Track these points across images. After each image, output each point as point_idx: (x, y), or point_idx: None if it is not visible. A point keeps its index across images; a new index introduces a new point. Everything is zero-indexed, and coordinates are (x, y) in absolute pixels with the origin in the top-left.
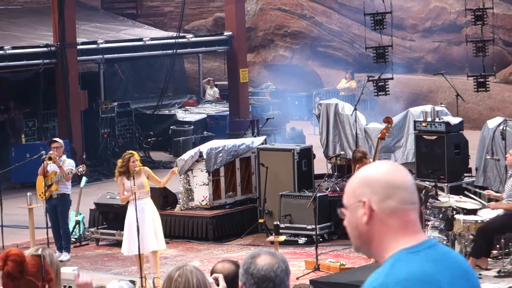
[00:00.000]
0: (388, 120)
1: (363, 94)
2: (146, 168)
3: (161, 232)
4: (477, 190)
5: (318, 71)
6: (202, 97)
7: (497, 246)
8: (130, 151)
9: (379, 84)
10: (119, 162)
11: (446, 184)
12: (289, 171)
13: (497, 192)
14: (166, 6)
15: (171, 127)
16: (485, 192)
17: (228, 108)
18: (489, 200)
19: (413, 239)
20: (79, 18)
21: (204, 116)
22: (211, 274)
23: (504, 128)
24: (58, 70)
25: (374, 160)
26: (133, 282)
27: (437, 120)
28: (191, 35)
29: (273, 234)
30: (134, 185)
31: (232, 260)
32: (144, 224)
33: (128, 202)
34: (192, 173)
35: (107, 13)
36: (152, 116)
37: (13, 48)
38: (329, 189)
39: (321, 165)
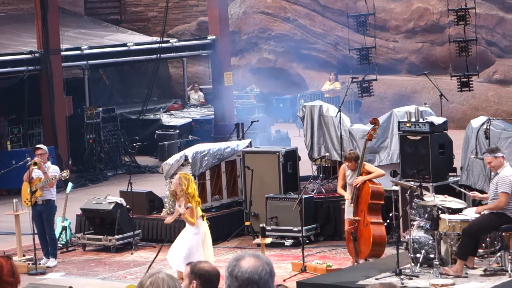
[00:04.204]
0: (374, 121)
1: (347, 95)
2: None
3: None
4: (462, 190)
5: (302, 73)
6: (187, 101)
7: (483, 245)
8: (184, 174)
9: (363, 85)
10: (192, 188)
11: (431, 183)
12: (275, 174)
13: (482, 192)
14: (149, 11)
15: (156, 131)
16: (470, 194)
17: (213, 112)
18: (474, 201)
19: None
20: (62, 25)
21: (189, 120)
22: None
23: (488, 127)
24: (42, 76)
25: (361, 160)
26: None
27: (421, 120)
28: (175, 40)
29: (260, 236)
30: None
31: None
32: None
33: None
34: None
35: (90, 19)
36: (137, 121)
37: None
38: (314, 191)
39: (306, 167)
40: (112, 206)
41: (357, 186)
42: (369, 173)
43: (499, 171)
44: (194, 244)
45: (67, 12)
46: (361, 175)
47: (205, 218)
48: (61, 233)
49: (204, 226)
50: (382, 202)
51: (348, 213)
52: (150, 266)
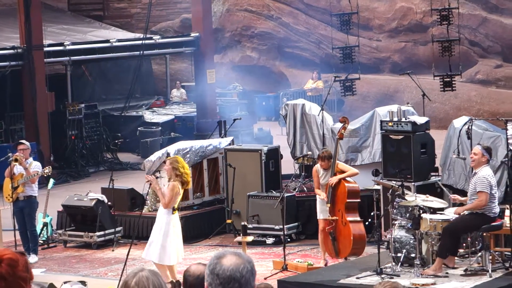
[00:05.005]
0: (344, 120)
1: (330, 94)
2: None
3: (156, 245)
4: (445, 189)
5: (285, 71)
6: (169, 98)
7: (464, 244)
8: (174, 157)
9: (346, 84)
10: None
11: (412, 183)
12: (257, 172)
13: (462, 192)
14: (133, 8)
15: (138, 128)
16: (451, 197)
17: (195, 109)
18: (454, 205)
19: None
20: (45, 20)
21: (172, 117)
22: (184, 275)
23: (470, 127)
24: (25, 72)
25: (334, 159)
26: (83, 282)
27: (403, 119)
28: (158, 37)
29: (241, 234)
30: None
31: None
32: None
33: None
34: (159, 174)
35: (73, 14)
36: (119, 117)
37: None
38: (296, 189)
39: (288, 166)
40: (93, 202)
41: (333, 185)
42: (343, 172)
43: (478, 170)
44: (154, 233)
45: (50, 8)
46: (335, 174)
47: (175, 212)
48: (42, 229)
49: (168, 218)
50: (359, 200)
51: (323, 213)
52: (125, 265)
